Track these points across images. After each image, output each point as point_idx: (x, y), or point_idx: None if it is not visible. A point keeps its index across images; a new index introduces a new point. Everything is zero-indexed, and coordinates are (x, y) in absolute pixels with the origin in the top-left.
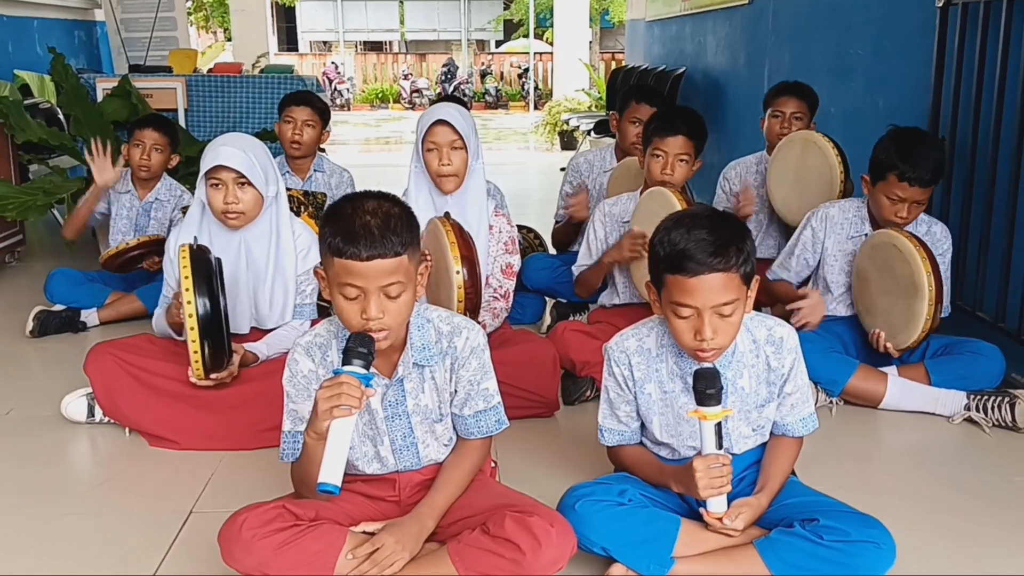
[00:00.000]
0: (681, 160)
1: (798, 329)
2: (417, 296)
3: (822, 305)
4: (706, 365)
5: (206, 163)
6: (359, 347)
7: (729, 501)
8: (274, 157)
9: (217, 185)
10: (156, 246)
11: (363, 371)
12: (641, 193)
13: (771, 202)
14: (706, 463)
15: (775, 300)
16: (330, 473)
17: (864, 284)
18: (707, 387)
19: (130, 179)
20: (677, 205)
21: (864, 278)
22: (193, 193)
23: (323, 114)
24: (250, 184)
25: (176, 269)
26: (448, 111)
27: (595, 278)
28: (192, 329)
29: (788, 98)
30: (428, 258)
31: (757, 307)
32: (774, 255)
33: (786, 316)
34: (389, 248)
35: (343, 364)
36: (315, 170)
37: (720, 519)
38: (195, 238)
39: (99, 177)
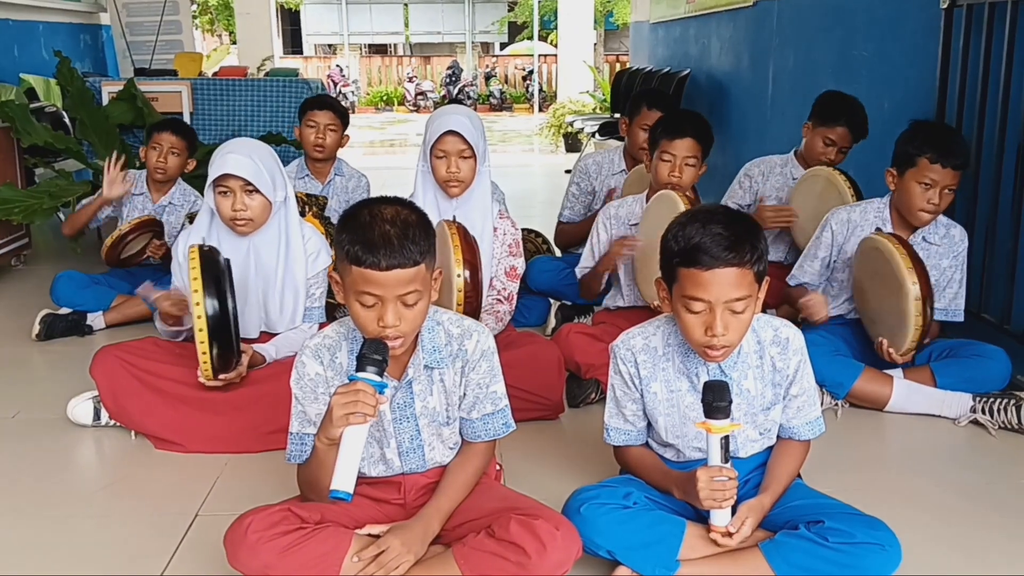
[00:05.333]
0: (688, 163)
1: (806, 325)
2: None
3: (825, 302)
4: (716, 378)
5: (214, 171)
6: (373, 354)
7: (734, 505)
8: (291, 161)
9: (225, 192)
10: (150, 227)
11: (377, 378)
12: (647, 197)
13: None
14: (709, 474)
15: (784, 303)
16: (343, 480)
17: (863, 295)
18: (715, 399)
19: (144, 181)
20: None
21: (861, 289)
22: None
23: (344, 118)
24: (258, 191)
25: (184, 272)
26: (459, 120)
27: (595, 283)
28: (201, 330)
29: (840, 128)
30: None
31: (763, 308)
32: (782, 259)
33: (793, 318)
34: (408, 258)
35: (357, 371)
36: (335, 174)
37: (722, 533)
38: (203, 239)
39: (107, 189)
